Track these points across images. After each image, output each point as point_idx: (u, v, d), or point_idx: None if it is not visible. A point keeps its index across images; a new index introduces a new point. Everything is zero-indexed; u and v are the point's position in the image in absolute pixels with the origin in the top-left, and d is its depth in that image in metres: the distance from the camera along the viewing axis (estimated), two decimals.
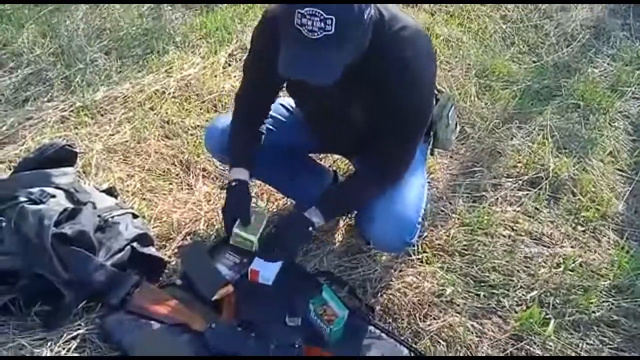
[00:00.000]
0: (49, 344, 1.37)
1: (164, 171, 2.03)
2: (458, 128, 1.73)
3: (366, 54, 1.24)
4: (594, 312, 1.62)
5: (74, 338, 1.39)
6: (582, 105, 2.53)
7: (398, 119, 1.34)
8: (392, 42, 1.27)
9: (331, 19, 1.08)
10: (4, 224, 1.44)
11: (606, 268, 1.78)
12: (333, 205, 1.51)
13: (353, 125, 1.44)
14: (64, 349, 1.37)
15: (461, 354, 1.49)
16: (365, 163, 1.50)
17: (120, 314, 1.44)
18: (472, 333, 1.55)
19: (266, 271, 1.57)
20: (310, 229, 1.43)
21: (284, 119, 1.65)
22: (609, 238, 1.91)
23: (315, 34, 1.09)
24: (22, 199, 1.48)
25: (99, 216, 1.56)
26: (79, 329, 1.41)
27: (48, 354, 1.35)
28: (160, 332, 1.41)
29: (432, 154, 1.71)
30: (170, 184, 1.99)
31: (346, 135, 1.51)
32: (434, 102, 1.58)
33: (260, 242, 1.48)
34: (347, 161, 2.05)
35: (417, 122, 1.39)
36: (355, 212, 1.59)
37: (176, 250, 1.71)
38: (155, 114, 2.26)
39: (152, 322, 1.43)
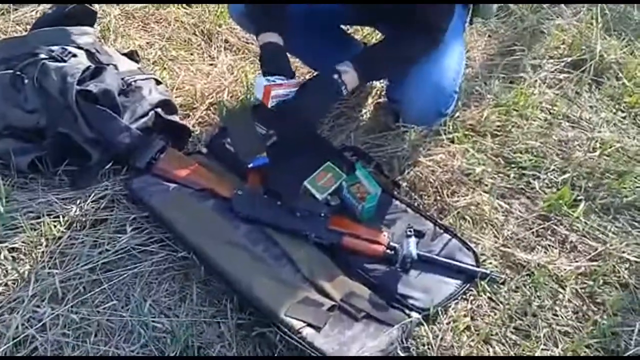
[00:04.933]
0: (77, 201, 1.39)
1: (184, 41, 1.95)
2: None
3: None
4: (626, 196, 1.58)
5: (102, 198, 1.40)
6: None
7: None
8: None
9: None
10: (26, 81, 1.40)
11: None
12: (370, 62, 1.38)
13: None
14: (93, 207, 1.38)
15: (486, 231, 1.49)
16: (402, 27, 1.39)
17: (147, 177, 1.43)
18: (499, 212, 1.53)
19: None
20: (343, 88, 1.34)
21: None
22: None
23: None
24: (43, 56, 1.43)
25: (122, 79, 1.51)
26: (106, 189, 1.42)
27: (78, 211, 1.37)
28: (187, 195, 1.41)
29: (471, 23, 1.59)
30: (192, 54, 1.92)
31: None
32: None
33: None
34: (380, 36, 1.93)
35: None
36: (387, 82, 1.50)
37: (214, 108, 1.68)
38: None
39: (179, 185, 1.43)
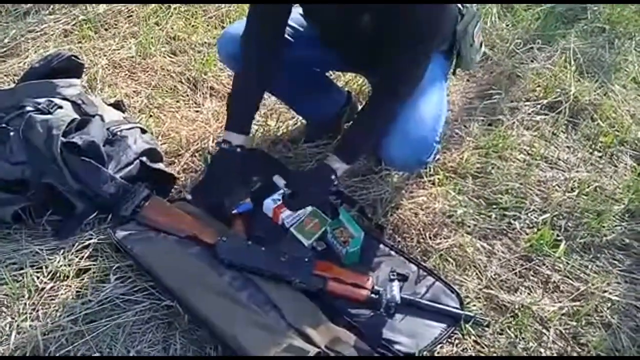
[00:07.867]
0: (61, 251, 1.39)
1: (171, 88, 1.99)
2: (483, 48, 1.65)
3: None
4: (605, 235, 1.61)
5: (86, 247, 1.40)
6: (608, 29, 2.42)
7: (407, 28, 1.28)
8: None
9: None
10: (11, 133, 1.42)
11: (621, 193, 1.75)
12: (351, 146, 1.46)
13: (362, 36, 1.37)
14: (77, 257, 1.38)
15: (470, 273, 1.50)
16: (377, 78, 1.44)
17: (131, 225, 1.44)
18: (482, 253, 1.55)
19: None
20: (333, 177, 1.41)
21: (302, 29, 1.57)
22: (625, 164, 1.87)
23: None
24: (29, 108, 1.46)
25: (107, 129, 1.54)
26: (91, 238, 1.42)
27: (62, 261, 1.37)
28: (171, 243, 1.41)
29: (454, 74, 1.64)
30: (178, 101, 1.95)
31: (356, 47, 1.43)
32: (460, 17, 1.50)
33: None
34: (361, 82, 1.99)
35: (428, 32, 1.31)
36: None
37: (199, 154, 1.72)
38: (160, 29, 2.18)
39: (163, 233, 1.43)
